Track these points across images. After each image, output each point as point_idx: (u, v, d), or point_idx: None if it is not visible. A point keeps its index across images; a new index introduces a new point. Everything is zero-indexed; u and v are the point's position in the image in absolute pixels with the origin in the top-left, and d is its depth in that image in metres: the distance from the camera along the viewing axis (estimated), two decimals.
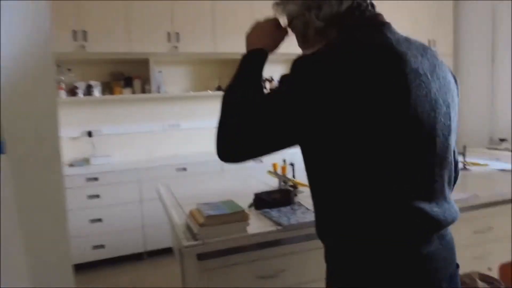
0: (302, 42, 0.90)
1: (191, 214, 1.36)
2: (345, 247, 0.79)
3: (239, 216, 1.28)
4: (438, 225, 0.76)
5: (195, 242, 1.22)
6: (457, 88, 0.86)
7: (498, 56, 3.90)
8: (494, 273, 2.34)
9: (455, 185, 0.94)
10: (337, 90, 0.69)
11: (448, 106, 0.78)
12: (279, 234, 1.31)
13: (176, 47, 3.28)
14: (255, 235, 1.29)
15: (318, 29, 0.83)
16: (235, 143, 0.77)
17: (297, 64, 0.75)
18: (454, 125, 0.81)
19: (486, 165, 2.32)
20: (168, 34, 3.26)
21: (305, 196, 1.69)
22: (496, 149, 3.37)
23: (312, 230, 1.37)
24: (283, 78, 0.78)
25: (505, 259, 1.82)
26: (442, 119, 0.76)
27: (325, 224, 0.84)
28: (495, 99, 3.90)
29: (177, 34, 3.28)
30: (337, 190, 0.77)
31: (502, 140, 3.67)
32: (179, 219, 1.47)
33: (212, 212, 1.27)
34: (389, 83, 0.70)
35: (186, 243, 1.22)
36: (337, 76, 0.69)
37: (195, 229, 1.26)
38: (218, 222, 1.25)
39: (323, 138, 0.74)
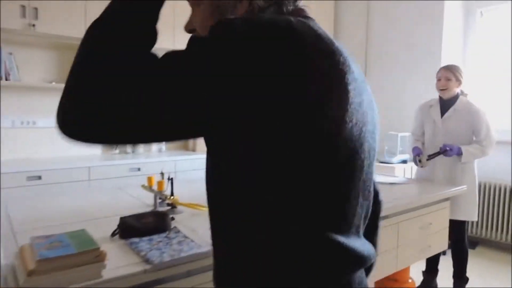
0: (213, 20, 0.64)
1: (21, 254, 0.97)
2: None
3: (90, 257, 0.93)
4: (361, 261, 0.63)
5: None
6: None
7: (370, 61, 4.25)
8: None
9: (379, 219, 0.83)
10: (268, 72, 0.51)
11: (374, 126, 0.65)
12: (146, 275, 1.01)
13: (33, 25, 2.65)
14: (113, 280, 0.96)
15: (256, 6, 0.63)
16: (96, 114, 0.49)
17: (225, 26, 0.53)
18: (377, 149, 0.69)
19: None
20: (23, 7, 2.61)
21: (184, 218, 1.42)
22: None
23: (192, 265, 1.13)
24: (196, 41, 0.54)
25: (385, 273, 1.85)
26: (369, 139, 0.63)
27: (224, 261, 0.64)
28: None
29: (35, 9, 2.66)
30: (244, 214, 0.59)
31: None
32: (4, 257, 1.05)
33: (48, 253, 0.90)
34: (328, 81, 0.55)
35: None
36: (274, 54, 0.52)
37: (21, 279, 0.88)
38: (57, 267, 0.89)
39: (233, 130, 0.54)
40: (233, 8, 0.64)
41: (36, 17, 2.67)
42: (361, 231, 0.67)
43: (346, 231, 0.61)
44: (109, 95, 0.49)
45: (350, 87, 0.57)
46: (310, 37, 0.56)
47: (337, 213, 0.60)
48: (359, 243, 0.63)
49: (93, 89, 0.50)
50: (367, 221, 0.70)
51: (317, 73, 0.54)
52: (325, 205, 0.58)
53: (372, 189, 0.68)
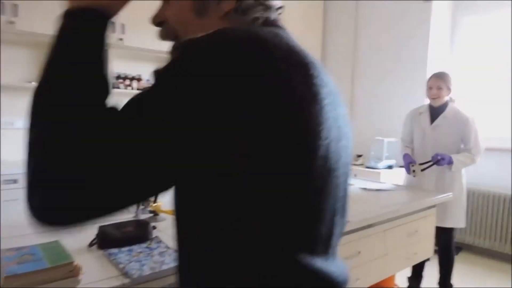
0: (192, 15, 0.61)
1: None
2: None
3: (63, 272, 0.87)
4: None
5: None
6: None
7: (357, 66, 4.25)
8: None
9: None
10: (245, 97, 0.48)
11: (348, 140, 0.62)
12: None
13: (12, 22, 2.55)
14: None
15: (244, 6, 0.59)
16: (65, 196, 0.45)
17: (192, 49, 0.49)
18: (350, 164, 0.67)
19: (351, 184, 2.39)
20: (2, 4, 2.51)
21: (167, 227, 1.36)
22: (353, 164, 3.63)
23: (175, 278, 1.08)
24: (161, 74, 0.49)
25: (372, 282, 1.83)
26: (344, 155, 0.60)
27: (191, 276, 0.60)
28: (353, 110, 4.24)
29: (15, 6, 2.56)
30: (215, 232, 0.54)
31: (359, 156, 4.00)
32: None
33: (17, 269, 0.84)
34: (302, 95, 0.52)
35: None
36: (246, 69, 0.48)
37: None
38: (27, 283, 0.83)
39: (213, 156, 0.49)
40: (217, 6, 0.60)
41: (16, 14, 2.57)
42: (336, 250, 0.64)
43: (323, 253, 0.58)
44: (84, 175, 0.45)
45: (326, 102, 0.55)
46: (282, 50, 0.53)
47: (315, 234, 0.56)
48: (335, 266, 0.60)
49: (64, 171, 0.45)
50: (339, 240, 0.67)
51: (290, 87, 0.51)
52: (301, 226, 0.55)
53: (347, 206, 0.66)
